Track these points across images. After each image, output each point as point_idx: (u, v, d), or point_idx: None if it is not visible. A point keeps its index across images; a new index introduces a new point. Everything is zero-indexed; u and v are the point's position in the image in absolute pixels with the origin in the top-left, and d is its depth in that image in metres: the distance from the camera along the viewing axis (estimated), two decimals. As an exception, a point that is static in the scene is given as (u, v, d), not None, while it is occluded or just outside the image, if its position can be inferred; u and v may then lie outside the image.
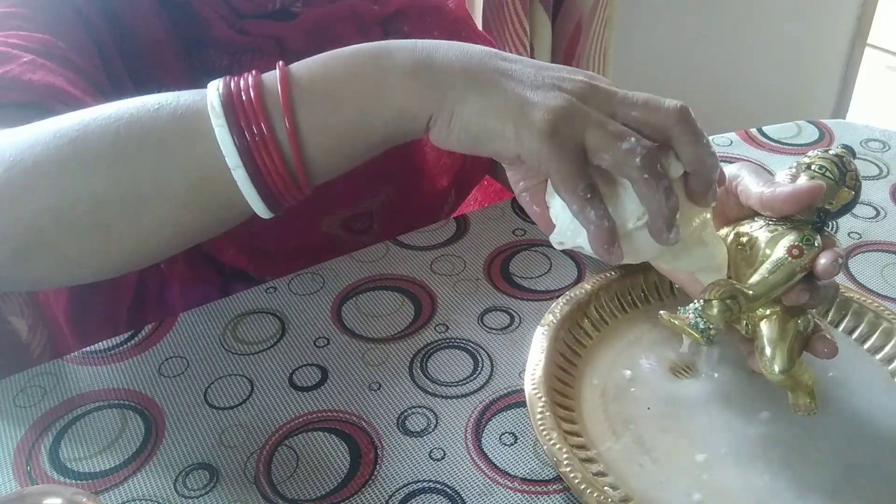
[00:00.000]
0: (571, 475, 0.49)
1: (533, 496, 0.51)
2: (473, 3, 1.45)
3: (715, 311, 0.49)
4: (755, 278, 0.50)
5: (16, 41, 0.55)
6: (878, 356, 0.59)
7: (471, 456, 0.53)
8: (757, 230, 0.53)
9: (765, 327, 0.51)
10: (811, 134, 0.90)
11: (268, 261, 0.74)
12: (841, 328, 0.61)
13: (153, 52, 0.66)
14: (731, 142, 0.88)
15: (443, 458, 0.53)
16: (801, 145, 0.88)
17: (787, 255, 0.50)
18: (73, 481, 0.52)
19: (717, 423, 0.54)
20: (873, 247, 0.72)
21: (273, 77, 0.46)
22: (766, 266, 0.50)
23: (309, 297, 0.67)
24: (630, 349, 0.60)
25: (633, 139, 0.44)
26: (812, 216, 0.52)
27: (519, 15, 1.44)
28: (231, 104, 0.44)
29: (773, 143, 0.88)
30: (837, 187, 0.52)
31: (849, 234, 0.73)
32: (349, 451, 0.54)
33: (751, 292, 0.49)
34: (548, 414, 0.53)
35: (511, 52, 1.62)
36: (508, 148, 0.45)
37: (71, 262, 0.49)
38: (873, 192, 0.80)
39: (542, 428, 0.52)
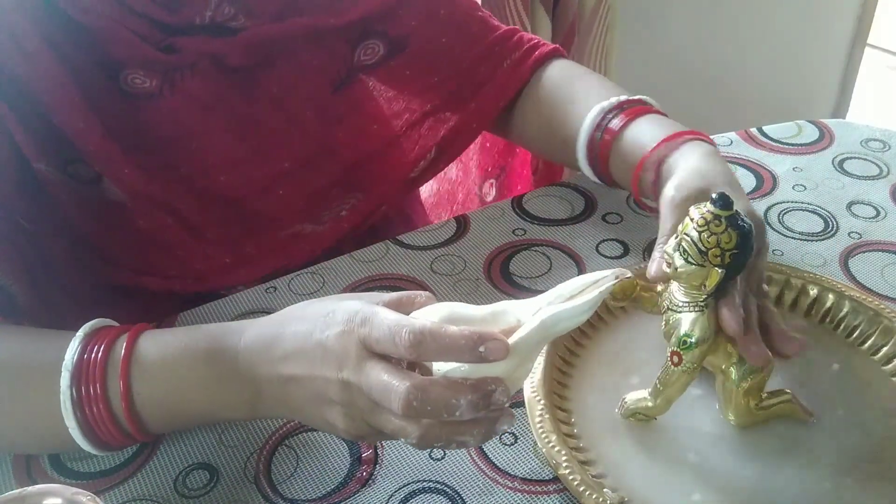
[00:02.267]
0: (570, 477, 0.49)
1: (533, 496, 0.51)
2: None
3: (634, 421, 0.54)
4: (652, 388, 0.52)
5: None
6: (878, 356, 0.59)
7: (471, 456, 0.53)
8: (666, 309, 0.52)
9: (717, 385, 0.54)
10: (811, 134, 0.90)
11: (223, 273, 0.71)
12: (841, 328, 0.61)
13: (58, 102, 0.61)
14: (731, 142, 0.88)
15: (443, 457, 0.53)
16: (801, 145, 0.88)
17: (669, 364, 0.51)
18: (73, 481, 0.52)
19: (716, 423, 0.54)
20: (873, 247, 0.72)
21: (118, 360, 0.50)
22: (658, 377, 0.52)
23: (309, 297, 0.66)
24: (629, 349, 0.60)
25: (395, 423, 0.44)
26: (699, 298, 0.50)
27: (520, 14, 1.44)
28: (80, 364, 0.50)
29: (773, 143, 0.88)
30: (704, 270, 0.48)
31: (849, 234, 0.73)
32: (349, 451, 0.54)
33: (650, 404, 0.52)
34: (547, 417, 0.53)
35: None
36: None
37: None
38: (873, 192, 0.80)
39: (541, 431, 0.52)
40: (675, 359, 0.50)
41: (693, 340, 0.49)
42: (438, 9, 0.77)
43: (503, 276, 0.68)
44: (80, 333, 0.51)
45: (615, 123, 0.68)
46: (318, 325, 0.46)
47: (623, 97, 0.70)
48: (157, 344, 0.52)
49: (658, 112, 0.70)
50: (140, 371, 0.50)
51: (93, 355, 0.50)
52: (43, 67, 0.61)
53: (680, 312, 0.50)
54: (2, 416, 0.52)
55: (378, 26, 0.75)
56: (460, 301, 0.64)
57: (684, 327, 0.50)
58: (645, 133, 0.66)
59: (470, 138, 0.81)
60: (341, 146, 0.76)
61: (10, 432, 0.53)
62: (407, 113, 0.80)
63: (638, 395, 0.53)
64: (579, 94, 0.73)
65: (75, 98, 0.62)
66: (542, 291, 0.66)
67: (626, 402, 0.54)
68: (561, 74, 0.78)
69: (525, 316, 0.45)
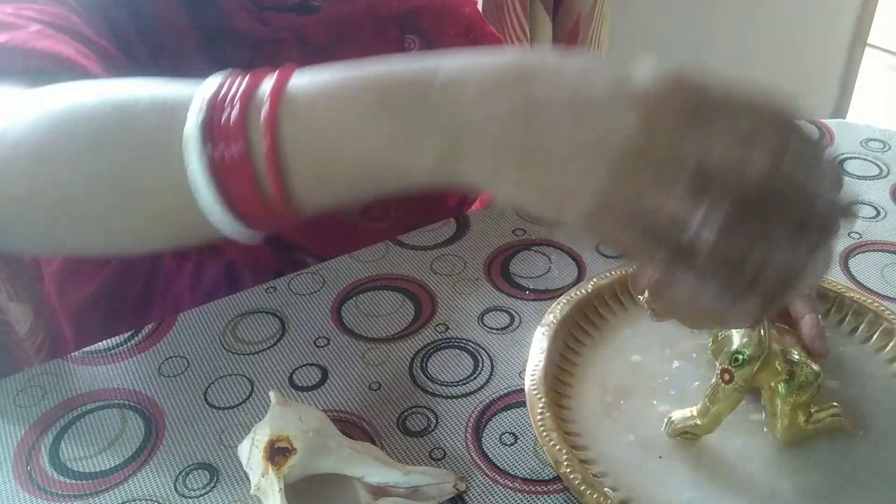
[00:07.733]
0: (571, 476, 0.49)
1: (533, 496, 0.51)
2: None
3: (679, 438, 0.52)
4: (700, 406, 0.51)
5: (28, 12, 0.55)
6: (879, 356, 0.59)
7: (471, 456, 0.53)
8: None
9: (764, 398, 0.52)
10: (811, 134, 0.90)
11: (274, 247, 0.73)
12: (841, 328, 0.61)
13: (175, 43, 0.66)
14: (732, 142, 0.88)
15: (443, 458, 0.53)
16: (801, 145, 0.87)
17: (719, 381, 0.49)
18: (74, 481, 0.52)
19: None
20: (873, 247, 0.72)
21: (265, 90, 0.40)
22: (707, 394, 0.50)
23: (309, 297, 0.67)
24: (632, 347, 0.60)
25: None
26: None
27: (519, 16, 1.44)
28: (211, 113, 0.40)
29: (774, 143, 0.88)
30: None
31: (849, 235, 0.73)
32: (349, 451, 0.54)
33: (699, 422, 0.51)
34: (547, 415, 0.52)
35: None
36: None
37: (43, 243, 0.53)
38: (873, 192, 0.80)
39: (542, 429, 0.52)
40: (727, 376, 0.48)
41: (745, 357, 0.48)
42: (471, 32, 0.82)
43: (503, 276, 0.68)
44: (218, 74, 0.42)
45: None
46: None
47: None
48: (314, 75, 0.41)
49: None
50: (289, 102, 0.39)
51: (234, 86, 0.40)
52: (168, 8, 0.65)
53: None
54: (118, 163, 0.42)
55: (423, 22, 0.79)
56: (461, 301, 0.64)
57: (735, 343, 0.49)
58: None
59: None
60: None
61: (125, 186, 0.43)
62: None
63: (685, 414, 0.51)
64: None
65: (190, 42, 0.66)
66: (542, 291, 0.67)
67: (673, 422, 0.52)
68: None
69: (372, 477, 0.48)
